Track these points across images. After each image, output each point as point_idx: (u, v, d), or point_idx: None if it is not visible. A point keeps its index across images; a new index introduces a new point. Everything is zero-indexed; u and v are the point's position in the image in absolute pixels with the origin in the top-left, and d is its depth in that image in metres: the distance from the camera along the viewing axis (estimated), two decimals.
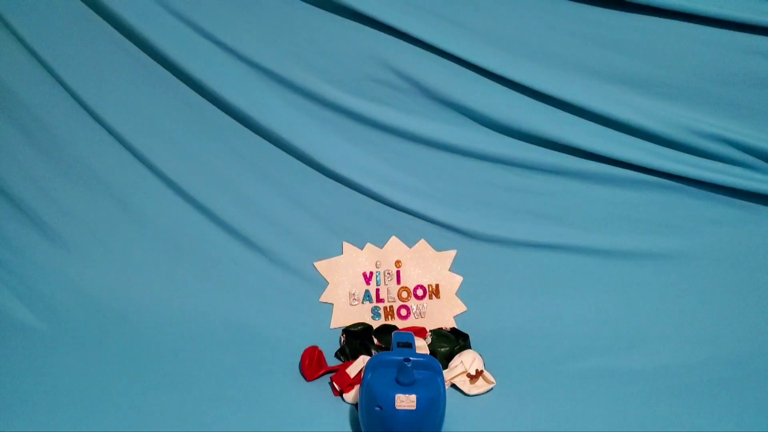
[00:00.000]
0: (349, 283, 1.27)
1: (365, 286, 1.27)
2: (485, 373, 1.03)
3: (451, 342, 1.13)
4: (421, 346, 1.10)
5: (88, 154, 1.26)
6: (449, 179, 1.25)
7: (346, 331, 1.16)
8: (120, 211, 1.28)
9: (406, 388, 0.83)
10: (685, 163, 1.17)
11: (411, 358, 0.84)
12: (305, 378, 1.05)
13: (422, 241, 1.28)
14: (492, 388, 1.03)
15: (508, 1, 1.14)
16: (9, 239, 1.27)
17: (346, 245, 1.28)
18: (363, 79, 1.19)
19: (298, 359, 1.09)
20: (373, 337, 1.15)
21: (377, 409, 0.84)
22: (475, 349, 1.10)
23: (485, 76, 1.17)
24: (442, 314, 1.25)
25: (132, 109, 1.23)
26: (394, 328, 1.19)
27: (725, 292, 1.20)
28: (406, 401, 0.82)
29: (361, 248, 1.28)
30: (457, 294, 1.26)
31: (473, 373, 1.02)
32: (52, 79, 1.22)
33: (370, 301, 1.26)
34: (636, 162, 1.18)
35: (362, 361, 1.03)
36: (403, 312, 1.26)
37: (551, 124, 1.18)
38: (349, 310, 1.25)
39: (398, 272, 1.27)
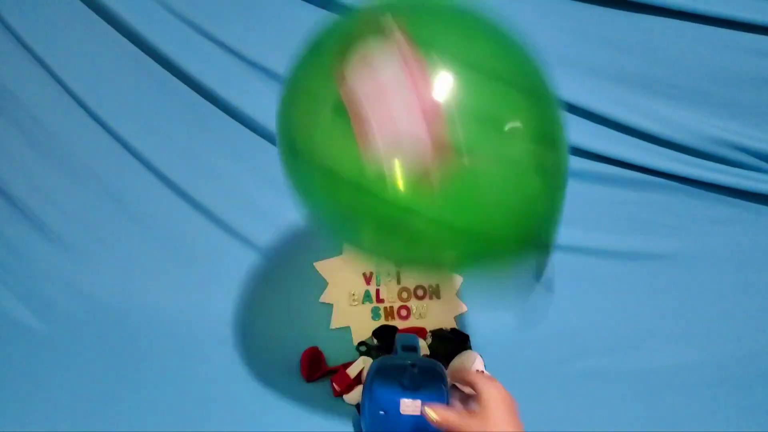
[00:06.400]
0: (349, 284, 1.27)
1: (365, 287, 1.27)
2: (485, 373, 1.03)
3: (451, 343, 1.13)
4: (422, 346, 1.10)
5: (88, 154, 1.26)
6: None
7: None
8: (120, 211, 1.27)
9: (412, 393, 0.83)
10: (685, 163, 1.17)
11: (417, 363, 0.84)
12: (305, 378, 1.05)
13: None
14: None
15: (509, 2, 1.13)
16: (9, 239, 1.27)
17: (346, 245, 1.28)
18: None
19: (298, 359, 1.09)
20: (373, 338, 1.15)
21: (381, 413, 0.83)
22: (475, 350, 1.10)
23: None
24: (443, 315, 1.25)
25: (131, 108, 1.23)
26: (394, 328, 1.19)
27: (725, 292, 1.20)
28: (411, 406, 0.82)
29: None
30: (457, 294, 1.26)
31: None
32: (52, 79, 1.21)
33: (370, 301, 1.26)
34: (636, 162, 1.18)
35: (362, 361, 1.03)
36: (403, 312, 1.26)
37: None
38: (349, 311, 1.25)
39: (398, 272, 1.27)
